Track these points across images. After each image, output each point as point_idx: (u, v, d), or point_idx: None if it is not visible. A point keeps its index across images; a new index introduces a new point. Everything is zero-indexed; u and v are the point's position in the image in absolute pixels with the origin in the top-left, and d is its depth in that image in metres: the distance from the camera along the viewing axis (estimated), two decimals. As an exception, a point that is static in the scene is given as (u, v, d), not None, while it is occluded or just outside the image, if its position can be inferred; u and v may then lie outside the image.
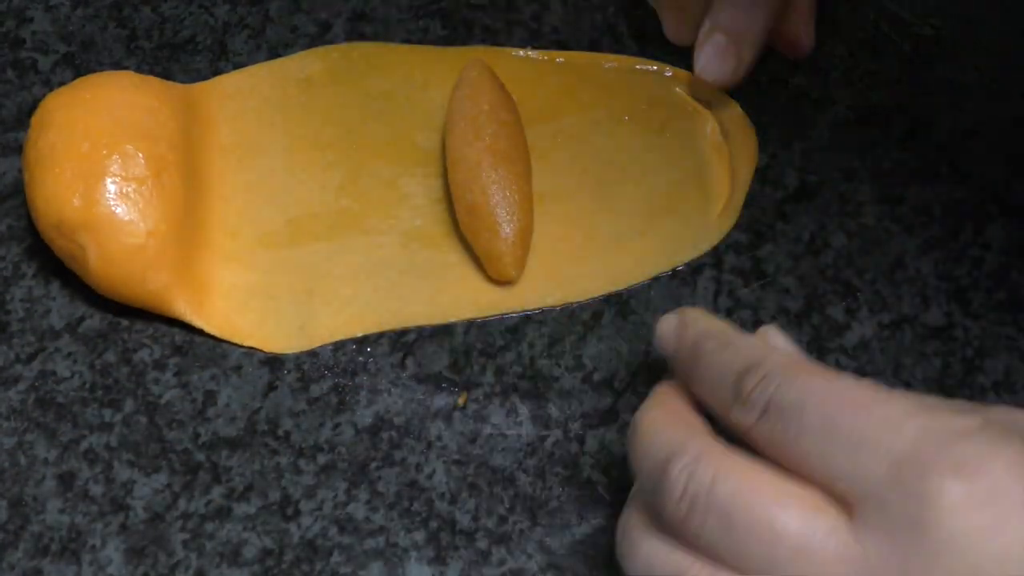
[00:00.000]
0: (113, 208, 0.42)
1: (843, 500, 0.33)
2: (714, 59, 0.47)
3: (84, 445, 0.42)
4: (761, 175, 0.47)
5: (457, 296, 0.45)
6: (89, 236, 0.42)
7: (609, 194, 0.47)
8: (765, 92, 0.49)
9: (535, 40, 0.50)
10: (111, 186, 0.42)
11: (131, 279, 0.43)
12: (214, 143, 0.47)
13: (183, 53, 0.50)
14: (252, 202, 0.46)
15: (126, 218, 0.42)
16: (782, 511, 0.33)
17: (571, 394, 0.43)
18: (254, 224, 0.46)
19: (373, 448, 0.42)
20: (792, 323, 0.44)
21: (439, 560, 0.40)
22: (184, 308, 0.44)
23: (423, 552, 0.40)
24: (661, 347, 0.38)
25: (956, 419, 0.33)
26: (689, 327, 0.38)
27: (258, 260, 0.45)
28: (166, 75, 0.48)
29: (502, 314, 0.44)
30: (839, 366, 0.43)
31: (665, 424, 0.36)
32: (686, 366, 0.37)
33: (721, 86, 0.48)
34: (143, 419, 0.42)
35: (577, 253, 0.46)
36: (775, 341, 0.38)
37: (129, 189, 0.42)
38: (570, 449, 0.42)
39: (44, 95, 0.46)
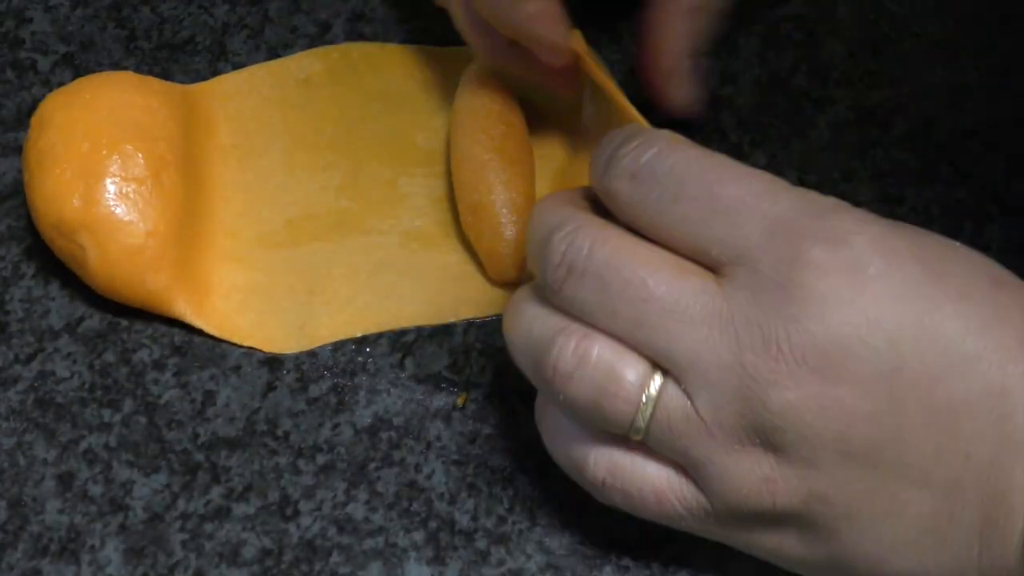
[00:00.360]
0: (113, 208, 0.42)
1: (715, 266, 0.34)
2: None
3: (83, 445, 0.42)
4: (761, 175, 0.47)
5: (457, 296, 0.45)
6: (89, 236, 0.42)
7: None
8: (765, 92, 0.49)
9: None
10: (111, 186, 0.42)
11: (131, 279, 0.43)
12: (214, 143, 0.47)
13: (182, 53, 0.50)
14: (252, 202, 0.46)
15: (126, 218, 0.42)
16: (653, 272, 0.34)
17: (571, 394, 0.43)
18: (254, 224, 0.46)
19: (372, 448, 0.42)
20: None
21: (438, 560, 0.40)
22: (184, 308, 0.44)
23: (422, 552, 0.40)
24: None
25: (827, 198, 0.35)
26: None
27: (257, 260, 0.45)
28: (165, 75, 0.48)
29: (502, 314, 0.44)
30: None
31: (554, 204, 0.37)
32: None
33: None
34: (142, 419, 0.42)
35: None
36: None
37: (129, 189, 0.42)
38: (569, 449, 0.42)
39: (43, 95, 0.46)
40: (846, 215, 0.34)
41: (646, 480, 0.36)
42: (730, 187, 0.34)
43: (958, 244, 0.35)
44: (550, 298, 0.36)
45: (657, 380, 0.34)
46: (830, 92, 0.49)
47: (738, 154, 0.47)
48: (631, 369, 0.34)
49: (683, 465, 0.35)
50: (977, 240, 0.45)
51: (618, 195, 0.35)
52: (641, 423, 0.35)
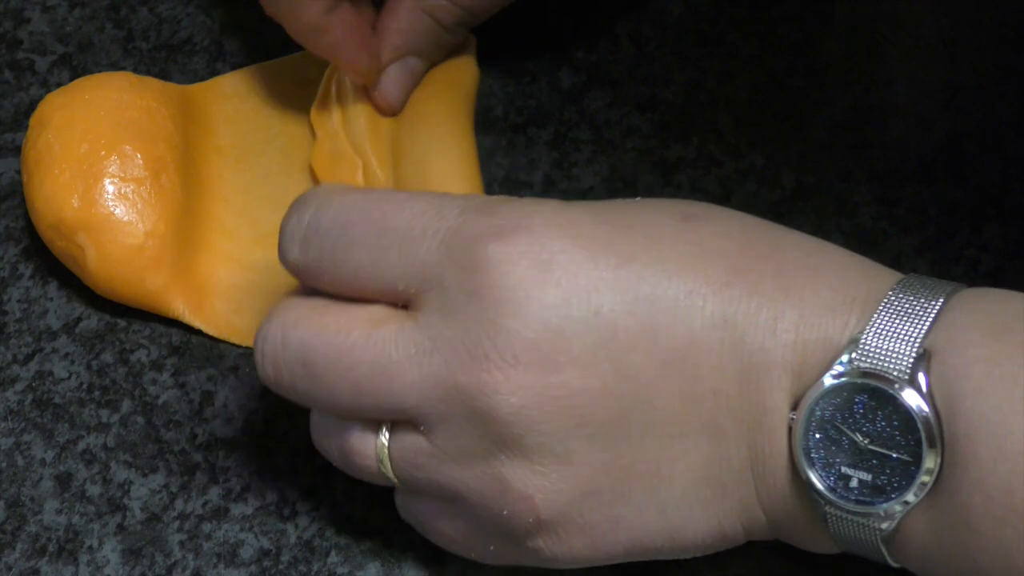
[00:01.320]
0: (112, 209, 0.42)
1: (407, 299, 0.34)
2: None
3: (81, 445, 0.42)
4: (758, 176, 0.47)
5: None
6: (88, 237, 0.42)
7: None
8: (762, 92, 0.49)
9: (532, 39, 0.50)
10: (109, 187, 0.42)
11: (130, 279, 0.43)
12: (212, 144, 0.47)
13: (180, 54, 0.50)
14: (250, 202, 0.46)
15: (125, 219, 0.42)
16: (347, 337, 0.34)
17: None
18: (252, 224, 0.46)
19: (370, 448, 0.42)
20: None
21: (437, 560, 0.40)
22: (182, 308, 0.44)
23: (420, 552, 0.40)
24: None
25: (494, 196, 0.34)
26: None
27: (256, 260, 0.45)
28: (163, 76, 0.48)
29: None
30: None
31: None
32: None
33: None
34: (140, 419, 0.42)
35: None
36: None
37: (127, 190, 0.42)
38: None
39: (41, 96, 0.46)
40: (514, 204, 0.33)
41: (426, 514, 0.36)
42: (394, 218, 0.34)
43: (643, 199, 0.35)
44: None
45: (386, 437, 0.34)
46: (827, 93, 0.49)
47: (735, 154, 0.47)
48: (358, 441, 0.35)
49: (444, 499, 0.35)
50: (974, 241, 0.45)
51: (296, 263, 0.35)
52: (390, 474, 0.35)
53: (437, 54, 0.45)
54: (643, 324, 0.32)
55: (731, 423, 0.32)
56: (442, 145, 0.44)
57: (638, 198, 0.35)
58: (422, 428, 0.34)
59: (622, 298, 0.32)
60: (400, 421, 0.34)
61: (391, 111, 0.45)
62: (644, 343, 0.32)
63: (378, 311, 0.34)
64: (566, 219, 0.33)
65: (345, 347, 0.34)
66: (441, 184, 0.43)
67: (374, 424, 0.35)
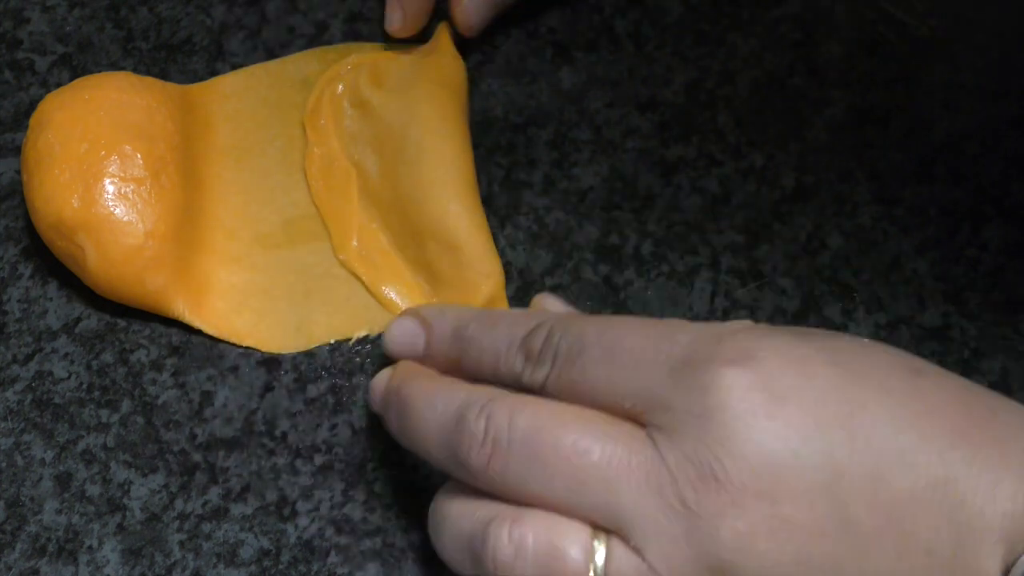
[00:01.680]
0: (112, 209, 0.42)
1: (633, 416, 0.34)
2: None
3: (81, 446, 0.42)
4: (758, 176, 0.47)
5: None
6: (88, 237, 0.42)
7: None
8: (762, 92, 0.49)
9: (532, 39, 0.50)
10: (110, 187, 0.42)
11: (130, 279, 0.43)
12: (212, 143, 0.47)
13: (180, 54, 0.50)
14: (250, 202, 0.46)
15: (125, 219, 0.42)
16: (581, 431, 0.34)
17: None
18: (252, 224, 0.46)
19: (370, 448, 0.42)
20: (789, 324, 0.44)
21: (436, 561, 0.40)
22: (182, 308, 0.44)
23: (420, 552, 0.40)
24: (403, 347, 0.40)
25: (723, 324, 0.34)
26: (436, 319, 0.39)
27: (256, 260, 0.45)
28: (163, 76, 0.48)
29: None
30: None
31: (437, 387, 0.37)
32: (453, 354, 0.38)
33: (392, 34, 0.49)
34: (140, 420, 0.42)
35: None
36: (552, 306, 0.39)
37: (128, 190, 0.42)
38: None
39: (41, 96, 0.46)
40: (747, 333, 0.34)
41: None
42: (628, 340, 0.34)
43: (867, 341, 0.35)
44: (474, 482, 0.35)
45: (602, 548, 0.33)
46: (827, 93, 0.49)
47: (736, 154, 0.47)
48: (572, 544, 0.33)
49: None
50: (974, 241, 0.45)
51: (543, 388, 0.35)
52: None
53: None
54: (868, 472, 0.32)
55: None
56: (436, 147, 0.44)
57: (866, 340, 0.35)
58: (632, 542, 0.33)
59: (851, 444, 0.32)
60: (609, 533, 0.34)
61: (470, 31, 0.47)
62: (867, 492, 0.32)
63: (608, 416, 0.34)
64: (799, 356, 0.33)
65: (578, 439, 0.34)
66: (433, 185, 0.43)
67: (587, 535, 0.34)
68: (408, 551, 0.40)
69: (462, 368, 0.38)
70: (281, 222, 0.46)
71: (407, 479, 0.41)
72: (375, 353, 0.44)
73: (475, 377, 0.37)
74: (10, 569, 0.40)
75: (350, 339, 0.44)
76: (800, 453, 0.32)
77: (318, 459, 0.42)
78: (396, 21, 0.47)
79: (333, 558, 0.40)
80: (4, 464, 0.42)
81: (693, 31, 0.50)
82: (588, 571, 0.33)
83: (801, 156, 0.47)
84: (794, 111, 0.48)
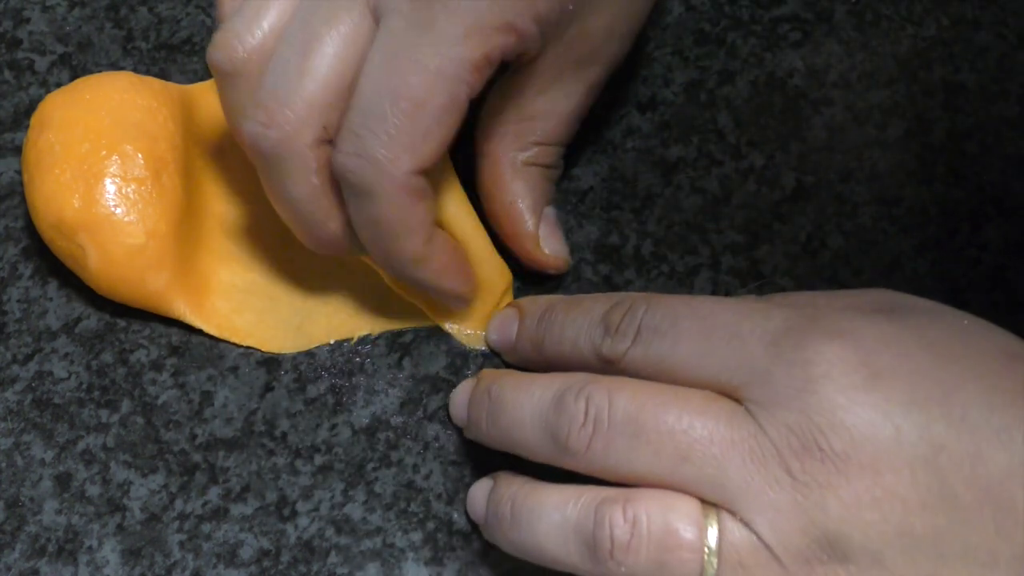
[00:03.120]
0: (113, 209, 0.42)
1: (729, 391, 0.34)
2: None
3: (81, 446, 0.42)
4: (758, 176, 0.47)
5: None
6: (89, 237, 0.42)
7: None
8: (762, 93, 0.49)
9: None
10: (111, 187, 0.42)
11: (131, 279, 0.43)
12: (213, 143, 0.47)
13: (180, 54, 0.50)
14: (251, 202, 0.46)
15: (126, 219, 0.42)
16: (682, 406, 0.34)
17: (568, 395, 0.43)
18: (253, 224, 0.46)
19: (370, 449, 0.42)
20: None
21: (436, 561, 0.40)
22: (183, 308, 0.44)
23: (420, 553, 0.40)
24: (499, 339, 0.42)
25: (815, 302, 0.35)
26: (529, 307, 0.41)
27: (256, 260, 0.45)
28: (163, 76, 0.48)
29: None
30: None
31: (536, 379, 0.37)
32: (538, 336, 0.39)
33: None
34: (140, 420, 0.42)
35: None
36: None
37: (129, 190, 0.42)
38: (567, 450, 0.42)
39: (41, 96, 0.46)
40: (843, 313, 0.34)
41: None
42: (722, 315, 0.35)
43: (965, 320, 0.35)
44: (575, 465, 0.36)
45: (714, 523, 0.34)
46: (827, 93, 0.49)
47: (735, 155, 0.47)
48: (685, 519, 0.34)
49: None
50: (974, 241, 0.45)
51: (621, 359, 0.36)
52: (711, 570, 0.34)
53: (554, 191, 0.45)
54: (967, 448, 0.32)
55: None
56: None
57: (963, 319, 0.35)
58: (740, 516, 0.34)
59: (948, 420, 0.33)
60: (718, 507, 0.34)
61: (564, 265, 0.44)
62: (966, 467, 0.32)
63: (707, 392, 0.35)
64: (894, 338, 0.34)
65: (682, 414, 0.34)
66: (438, 187, 0.43)
67: (698, 510, 0.34)
68: (408, 551, 0.40)
69: (544, 350, 0.39)
70: (282, 222, 0.46)
71: (407, 479, 0.41)
72: (375, 353, 0.44)
73: (558, 359, 0.38)
74: (10, 569, 0.40)
75: (350, 339, 0.44)
76: (900, 427, 0.33)
77: (318, 459, 0.42)
78: (459, 307, 0.44)
79: (333, 558, 0.40)
80: (4, 464, 0.42)
81: (693, 31, 0.50)
82: (702, 545, 0.34)
83: (801, 156, 0.47)
84: (794, 111, 0.48)
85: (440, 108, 0.37)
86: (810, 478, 0.33)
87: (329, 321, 0.44)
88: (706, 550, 0.34)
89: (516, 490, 0.37)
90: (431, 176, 0.39)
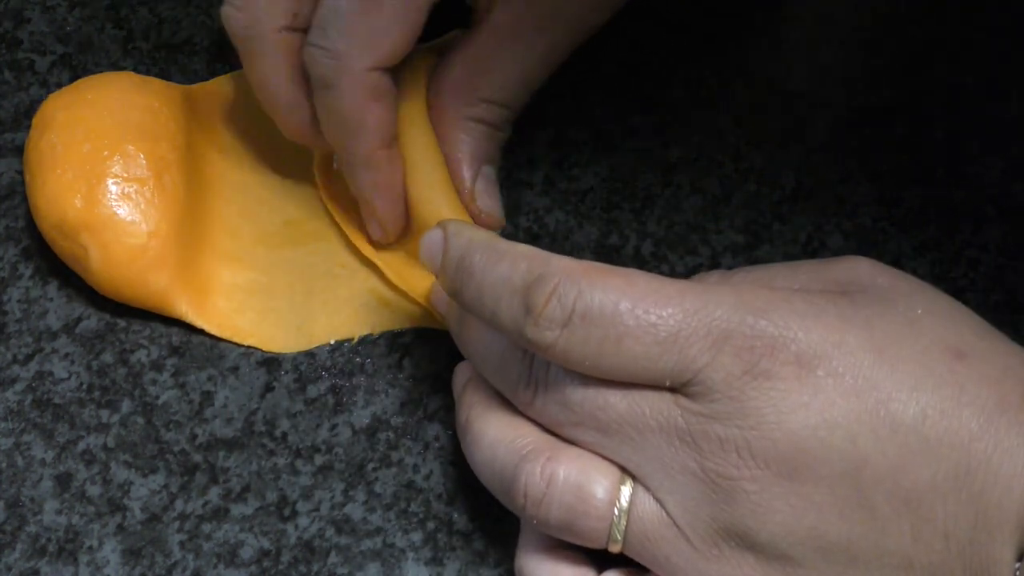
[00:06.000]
0: (115, 209, 0.42)
1: (666, 386, 0.34)
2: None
3: (81, 446, 0.42)
4: (758, 176, 0.47)
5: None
6: (91, 237, 0.42)
7: None
8: (762, 93, 0.49)
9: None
10: (112, 187, 0.42)
11: (133, 279, 0.43)
12: (214, 143, 0.47)
13: (180, 54, 0.50)
14: (251, 202, 0.46)
15: (128, 219, 0.42)
16: (611, 386, 0.35)
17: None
18: (254, 224, 0.46)
19: (370, 449, 0.42)
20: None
21: (436, 561, 0.40)
22: (185, 308, 0.44)
23: (420, 553, 0.40)
24: (427, 263, 0.38)
25: (760, 293, 0.34)
26: (451, 240, 0.37)
27: (258, 260, 0.45)
28: (164, 76, 0.48)
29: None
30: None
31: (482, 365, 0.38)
32: (455, 284, 0.37)
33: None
34: (140, 420, 0.42)
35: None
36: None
37: (130, 190, 0.42)
38: (567, 450, 0.42)
39: (41, 96, 0.46)
40: (787, 314, 0.34)
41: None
42: (665, 310, 0.34)
43: (919, 309, 0.35)
44: (522, 410, 0.36)
45: (627, 491, 0.35)
46: (827, 93, 0.49)
47: (735, 155, 0.47)
48: (599, 485, 0.35)
49: None
50: (975, 241, 0.45)
51: (553, 345, 0.35)
52: (618, 535, 0.35)
53: (499, 153, 0.45)
54: (891, 463, 0.32)
55: (959, 568, 0.33)
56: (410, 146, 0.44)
57: (914, 313, 0.35)
58: (652, 493, 0.34)
59: (876, 435, 0.33)
60: (635, 479, 0.35)
61: (497, 224, 0.45)
62: (888, 482, 0.32)
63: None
64: (836, 341, 0.33)
65: (608, 393, 0.35)
66: (432, 187, 0.43)
67: (615, 477, 0.35)
68: (408, 551, 0.40)
69: (463, 303, 0.37)
70: (283, 222, 0.46)
71: (407, 479, 0.41)
72: (375, 353, 0.44)
73: (476, 316, 0.37)
74: (10, 569, 0.40)
75: (351, 339, 0.44)
76: (827, 441, 0.33)
77: (318, 459, 0.42)
78: (375, 233, 0.44)
79: (333, 558, 0.40)
80: (4, 464, 0.42)
81: (693, 31, 0.50)
82: (612, 511, 0.35)
83: (801, 156, 0.47)
84: (794, 111, 0.48)
85: (397, 5, 0.39)
86: (724, 480, 0.33)
87: (329, 321, 0.44)
88: (614, 518, 0.34)
89: (476, 402, 0.38)
90: (396, 82, 0.41)
